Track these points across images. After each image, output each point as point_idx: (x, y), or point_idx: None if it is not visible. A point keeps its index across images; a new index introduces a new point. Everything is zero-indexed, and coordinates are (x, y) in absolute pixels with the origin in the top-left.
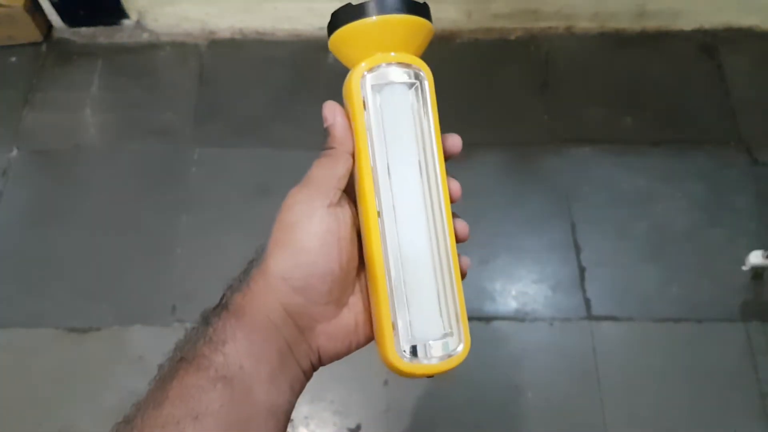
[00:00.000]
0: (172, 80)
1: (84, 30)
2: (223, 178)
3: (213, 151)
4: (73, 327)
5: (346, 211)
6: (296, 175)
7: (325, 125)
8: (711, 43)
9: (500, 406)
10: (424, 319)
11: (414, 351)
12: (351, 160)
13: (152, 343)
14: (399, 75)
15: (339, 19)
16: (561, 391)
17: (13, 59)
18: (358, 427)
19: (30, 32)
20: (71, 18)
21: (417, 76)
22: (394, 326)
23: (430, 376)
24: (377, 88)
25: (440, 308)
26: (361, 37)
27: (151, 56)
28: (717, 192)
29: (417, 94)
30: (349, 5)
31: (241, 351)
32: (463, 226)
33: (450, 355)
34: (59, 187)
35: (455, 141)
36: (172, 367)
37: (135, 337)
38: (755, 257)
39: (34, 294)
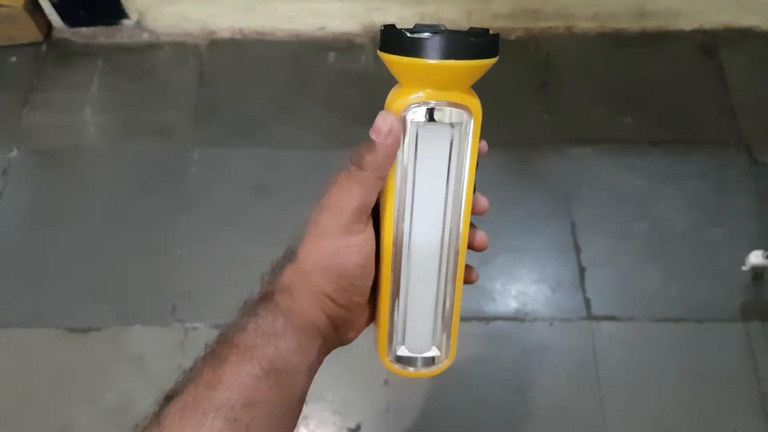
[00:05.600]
0: (172, 80)
1: (84, 30)
2: (223, 178)
3: (213, 151)
4: (73, 327)
5: (369, 230)
6: (296, 175)
7: (372, 136)
8: (711, 43)
9: (500, 406)
10: (418, 336)
11: (400, 359)
12: (378, 187)
13: (152, 343)
14: (446, 115)
15: (404, 45)
16: (561, 391)
17: (13, 59)
18: (358, 427)
19: (30, 32)
20: (71, 18)
21: (463, 117)
22: (390, 339)
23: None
24: (419, 123)
25: (434, 329)
26: (420, 72)
27: (151, 56)
28: (717, 192)
29: (460, 132)
30: (416, 38)
31: (291, 348)
32: (482, 238)
33: (434, 367)
34: (59, 187)
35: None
36: (222, 352)
37: (135, 337)
38: (755, 257)
39: (34, 294)
